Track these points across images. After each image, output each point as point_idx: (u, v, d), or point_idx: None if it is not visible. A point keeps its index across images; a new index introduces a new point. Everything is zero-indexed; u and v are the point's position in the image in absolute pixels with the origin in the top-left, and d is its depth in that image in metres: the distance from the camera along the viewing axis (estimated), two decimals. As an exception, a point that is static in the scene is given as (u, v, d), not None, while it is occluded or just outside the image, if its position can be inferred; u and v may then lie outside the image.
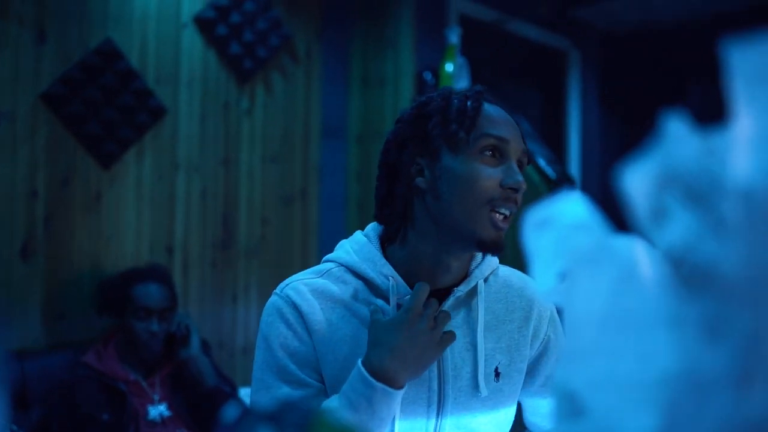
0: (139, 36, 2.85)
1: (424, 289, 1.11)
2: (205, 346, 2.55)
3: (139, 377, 2.39)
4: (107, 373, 2.31)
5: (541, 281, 0.56)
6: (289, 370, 1.13)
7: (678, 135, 0.43)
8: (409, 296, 1.12)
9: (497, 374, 1.19)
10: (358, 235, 1.24)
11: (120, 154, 2.78)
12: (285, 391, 1.12)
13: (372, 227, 1.24)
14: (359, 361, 1.07)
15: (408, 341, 1.06)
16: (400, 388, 1.06)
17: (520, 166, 1.14)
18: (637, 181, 0.42)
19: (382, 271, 1.16)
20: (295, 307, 1.14)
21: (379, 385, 1.04)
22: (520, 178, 1.11)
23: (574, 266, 0.51)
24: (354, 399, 1.05)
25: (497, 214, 1.10)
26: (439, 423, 1.16)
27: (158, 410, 2.35)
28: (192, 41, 3.01)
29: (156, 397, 2.38)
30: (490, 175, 1.10)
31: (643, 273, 0.48)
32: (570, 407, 0.50)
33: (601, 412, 0.48)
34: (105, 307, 2.48)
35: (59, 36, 2.63)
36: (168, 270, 2.63)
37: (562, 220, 0.54)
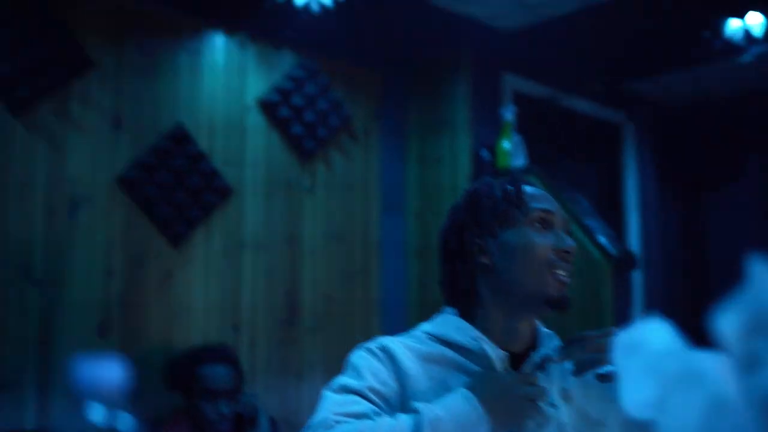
0: (207, 119, 2.99)
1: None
2: (273, 425, 2.58)
3: (211, 456, 2.42)
4: (179, 452, 2.35)
5: (631, 402, 0.59)
6: (372, 389, 1.16)
7: (764, 278, 0.47)
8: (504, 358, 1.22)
9: None
10: (437, 314, 1.32)
11: (189, 234, 2.88)
12: (359, 400, 1.15)
13: (446, 309, 1.32)
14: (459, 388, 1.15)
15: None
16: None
17: (567, 233, 1.27)
18: (729, 325, 0.46)
19: (471, 335, 1.24)
20: (391, 354, 1.21)
21: (480, 406, 1.10)
22: (572, 242, 1.24)
23: (665, 391, 0.55)
24: (453, 406, 1.10)
25: (558, 273, 1.22)
26: None
27: (229, 490, 2.38)
28: (256, 123, 3.14)
29: (226, 476, 2.40)
30: (543, 242, 1.23)
31: (733, 401, 0.51)
32: None
33: None
34: (174, 385, 2.54)
35: (134, 122, 2.78)
36: (234, 350, 2.68)
37: (650, 345, 0.58)
